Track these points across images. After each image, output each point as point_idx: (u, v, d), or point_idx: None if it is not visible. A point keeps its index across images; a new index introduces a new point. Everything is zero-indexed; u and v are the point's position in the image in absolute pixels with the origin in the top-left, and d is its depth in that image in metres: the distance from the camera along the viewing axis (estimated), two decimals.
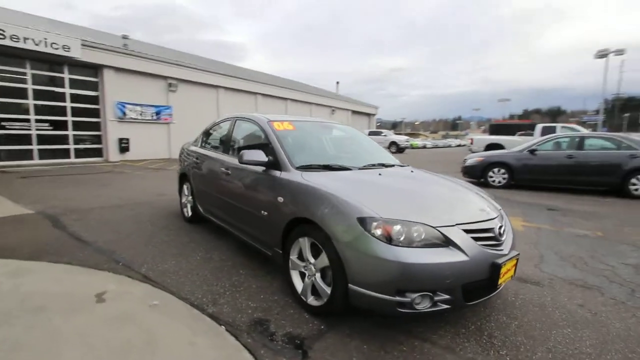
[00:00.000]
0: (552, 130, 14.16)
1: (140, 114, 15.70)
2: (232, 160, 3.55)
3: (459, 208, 2.40)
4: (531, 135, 15.73)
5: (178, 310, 2.46)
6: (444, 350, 2.09)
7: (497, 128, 24.56)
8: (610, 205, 6.53)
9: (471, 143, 17.22)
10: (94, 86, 14.11)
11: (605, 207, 6.29)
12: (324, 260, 2.32)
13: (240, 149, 3.67)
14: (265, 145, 3.35)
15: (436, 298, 2.03)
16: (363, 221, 2.10)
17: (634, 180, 7.18)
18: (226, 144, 3.88)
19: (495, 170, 8.56)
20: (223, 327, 2.28)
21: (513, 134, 19.26)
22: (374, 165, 3.25)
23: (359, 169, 3.07)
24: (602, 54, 21.37)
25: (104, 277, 2.93)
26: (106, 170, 11.04)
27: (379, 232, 2.05)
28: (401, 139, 25.73)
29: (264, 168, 3.02)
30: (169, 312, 2.42)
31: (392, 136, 26.21)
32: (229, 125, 3.96)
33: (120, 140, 14.73)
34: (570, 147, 7.96)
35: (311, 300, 2.46)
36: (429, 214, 2.22)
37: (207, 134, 4.54)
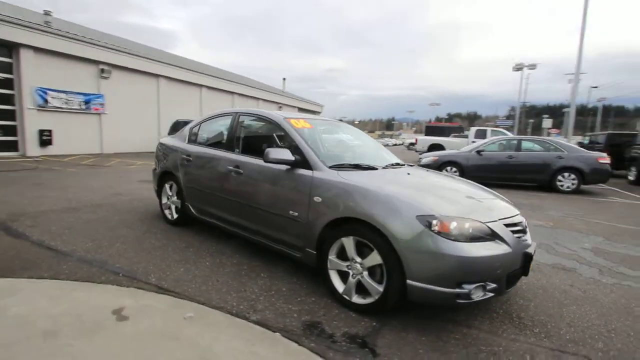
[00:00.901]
0: (484, 133, 15.96)
1: (66, 103, 13.71)
2: (242, 158, 3.36)
3: (493, 205, 2.63)
4: (465, 137, 17.52)
5: (219, 321, 2.28)
6: (490, 334, 2.28)
7: (431, 129, 26.78)
8: (547, 199, 7.65)
9: (416, 142, 18.57)
10: (7, 68, 11.90)
11: (545, 201, 7.35)
12: (375, 258, 2.35)
13: (249, 146, 3.49)
14: (284, 143, 3.25)
15: (487, 287, 2.21)
16: (423, 219, 2.19)
17: (560, 178, 8.49)
18: (230, 141, 3.64)
19: (448, 168, 9.38)
20: (278, 333, 2.18)
21: (445, 135, 21.24)
22: (392, 164, 3.36)
23: (383, 168, 3.15)
24: (519, 67, 24.93)
25: (111, 291, 2.56)
26: (30, 167, 9.45)
27: (438, 229, 2.16)
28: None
29: (288, 167, 2.93)
30: (210, 324, 2.22)
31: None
32: (231, 122, 3.71)
33: (41, 132, 12.70)
34: (510, 149, 9.10)
35: (356, 298, 2.48)
36: (474, 210, 2.39)
37: (197, 129, 4.19)
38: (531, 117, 55.83)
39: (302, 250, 2.82)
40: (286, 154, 2.88)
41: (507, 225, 2.39)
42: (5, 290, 2.44)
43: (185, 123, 16.34)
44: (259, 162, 3.24)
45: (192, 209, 3.96)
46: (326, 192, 2.62)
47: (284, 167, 2.96)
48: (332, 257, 2.60)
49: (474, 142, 15.67)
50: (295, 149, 2.97)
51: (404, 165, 3.52)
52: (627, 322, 2.51)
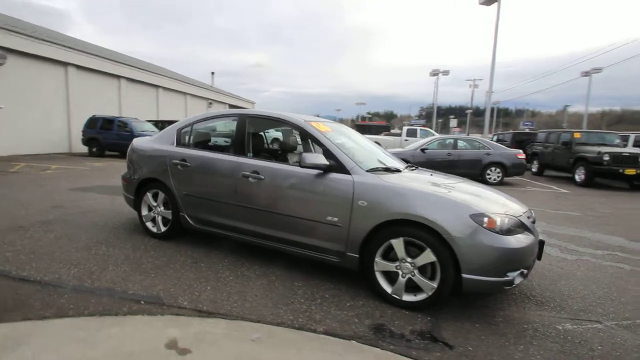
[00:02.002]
0: (414, 131, 17.55)
1: None
2: (263, 163, 3.18)
3: (509, 201, 3.00)
4: (398, 135, 18.98)
5: (290, 337, 2.17)
6: (521, 314, 2.62)
7: (361, 128, 28.29)
8: None
9: None
10: None
11: None
12: (428, 256, 2.50)
13: (266, 151, 3.32)
14: (306, 147, 3.19)
15: (523, 273, 2.55)
16: (476, 217, 2.41)
17: (488, 172, 9.87)
18: (239, 145, 3.39)
19: None
20: (353, 341, 2.18)
21: (372, 133, 22.68)
22: (407, 166, 3.54)
23: (405, 169, 3.31)
24: (435, 73, 28.04)
25: (148, 323, 2.22)
26: None
27: (487, 225, 2.41)
28: None
29: (319, 172, 2.90)
30: (283, 342, 2.11)
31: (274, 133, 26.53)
32: (238, 124, 3.46)
33: None
34: (449, 147, 10.23)
35: (406, 297, 2.60)
36: (505, 206, 2.71)
37: (188, 131, 3.79)
38: (438, 117, 63.11)
39: (342, 255, 2.82)
40: (322, 159, 2.85)
41: (527, 218, 2.78)
42: (10, 338, 1.94)
43: (106, 120, 14.44)
44: (284, 167, 3.12)
45: (189, 219, 3.59)
46: (373, 196, 2.67)
47: (314, 171, 2.92)
48: (378, 259, 2.68)
49: (406, 140, 17.13)
50: (326, 153, 2.94)
51: (414, 166, 3.73)
52: (605, 289, 3.12)
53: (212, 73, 29.27)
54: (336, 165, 2.87)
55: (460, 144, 10.35)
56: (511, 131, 17.53)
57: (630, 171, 9.09)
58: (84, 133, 13.92)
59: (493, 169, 9.83)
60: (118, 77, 17.63)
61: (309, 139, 3.13)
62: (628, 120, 57.31)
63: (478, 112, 60.30)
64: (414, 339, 2.24)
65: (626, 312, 2.71)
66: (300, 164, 2.83)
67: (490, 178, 9.86)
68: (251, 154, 3.35)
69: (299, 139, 3.73)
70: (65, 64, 14.68)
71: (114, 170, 9.94)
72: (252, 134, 3.46)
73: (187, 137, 3.80)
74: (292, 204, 3.00)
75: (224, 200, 3.33)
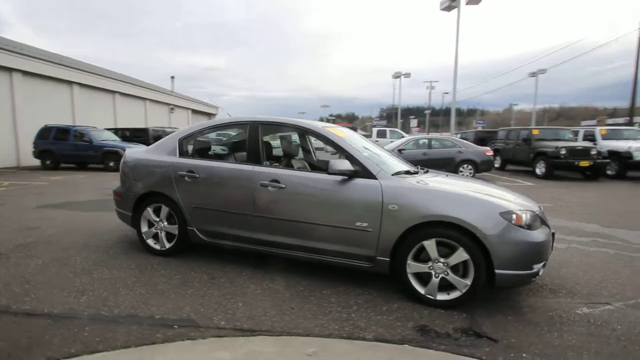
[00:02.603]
0: (384, 132, 18.08)
1: None
2: (283, 171, 3.11)
3: (521, 198, 3.18)
4: (369, 136, 19.41)
5: (342, 348, 2.14)
6: (543, 302, 2.79)
7: None
8: None
9: None
10: None
11: None
12: (461, 255, 2.58)
13: (282, 158, 3.24)
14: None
15: (545, 264, 2.72)
16: (505, 215, 2.54)
17: (461, 169, 10.42)
18: (254, 153, 3.28)
19: None
20: (405, 345, 2.20)
21: None
22: (421, 168, 3.64)
23: (422, 172, 3.40)
24: (397, 75, 29.15)
25: (190, 348, 2.08)
26: None
27: (515, 222, 2.54)
28: None
29: (344, 178, 2.89)
30: (339, 354, 2.08)
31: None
32: (250, 132, 3.34)
33: None
34: (424, 147, 10.66)
35: (440, 296, 2.67)
36: (522, 203, 2.87)
37: (191, 140, 3.60)
38: (401, 117, 65.57)
39: (372, 260, 2.83)
40: (348, 165, 2.85)
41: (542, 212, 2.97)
42: None
43: (60, 129, 13.24)
44: (306, 174, 3.08)
45: (199, 233, 3.40)
46: (404, 199, 2.71)
47: (337, 178, 2.91)
48: (410, 261, 2.72)
49: (377, 141, 17.57)
50: (350, 159, 2.94)
51: (424, 169, 3.83)
52: (602, 274, 3.42)
53: (172, 77, 27.99)
54: (361, 171, 2.88)
55: (434, 143, 10.83)
56: (473, 130, 18.67)
57: (584, 163, 10.06)
58: (35, 145, 12.68)
59: (465, 165, 10.39)
60: (70, 83, 16.28)
61: (329, 145, 3.11)
62: (565, 116, 63.47)
63: (433, 112, 63.42)
64: (460, 336, 2.30)
65: (627, 292, 2.99)
66: (329, 170, 2.81)
67: (463, 174, 10.41)
68: (267, 162, 3.25)
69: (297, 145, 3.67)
70: (9, 70, 13.29)
71: (76, 184, 9.17)
72: (266, 141, 3.37)
73: (191, 147, 3.60)
74: (318, 212, 2.95)
75: (239, 212, 3.20)
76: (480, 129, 27.18)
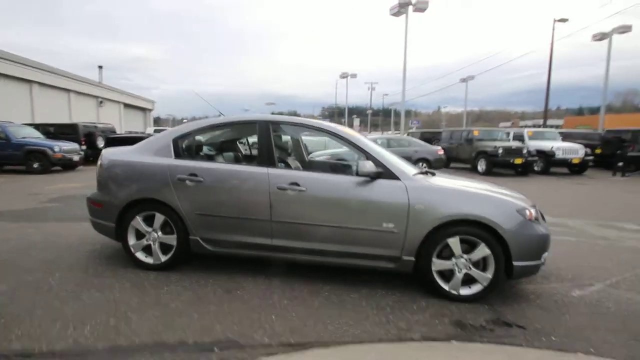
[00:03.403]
0: None
1: None
2: (303, 174, 2.98)
3: (516, 194, 3.48)
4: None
5: (399, 352, 2.14)
6: (546, 286, 3.11)
7: None
8: None
9: None
10: None
11: None
12: (483, 251, 2.75)
13: (297, 160, 3.10)
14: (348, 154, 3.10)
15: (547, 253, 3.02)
16: (520, 211, 2.76)
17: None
18: (267, 155, 3.07)
19: None
20: (453, 341, 2.27)
21: None
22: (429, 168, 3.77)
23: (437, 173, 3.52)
24: (344, 76, 29.88)
25: None
26: None
27: (528, 217, 2.78)
28: None
29: (366, 179, 2.88)
30: (398, 358, 2.07)
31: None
32: (261, 132, 3.13)
33: None
34: (384, 146, 11.07)
35: (463, 290, 2.81)
36: (526, 200, 3.15)
37: (190, 140, 3.25)
38: (341, 116, 67.69)
39: (397, 260, 2.87)
40: (373, 167, 2.84)
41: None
42: None
43: None
44: (327, 176, 3.01)
45: (203, 243, 3.11)
46: (430, 199, 2.79)
47: (359, 179, 2.89)
48: (434, 259, 2.82)
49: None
50: (374, 160, 2.93)
51: (431, 170, 3.96)
52: (576, 259, 3.92)
53: (100, 67, 24.71)
54: (384, 172, 2.90)
55: (393, 143, 11.36)
56: (420, 130, 20.00)
57: (518, 160, 11.42)
58: None
59: (421, 164, 11.07)
60: None
61: (349, 146, 3.06)
62: (484, 119, 71.32)
63: (373, 113, 66.49)
64: (494, 327, 2.45)
65: (602, 274, 3.46)
66: (359, 172, 2.78)
67: None
68: (283, 165, 3.09)
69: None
70: None
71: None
72: (279, 142, 3.19)
73: (190, 148, 3.27)
74: (341, 214, 2.90)
75: (254, 218, 2.99)
76: (414, 128, 29.25)
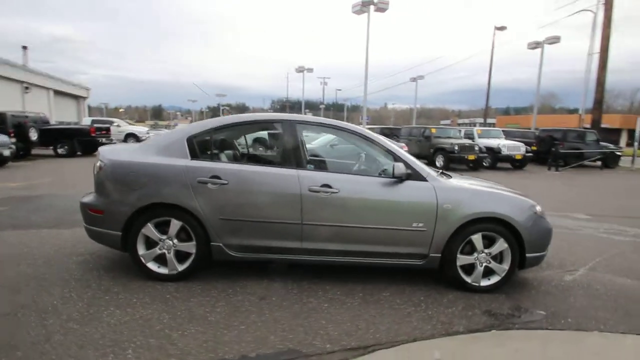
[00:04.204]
0: None
1: None
2: (335, 175, 2.96)
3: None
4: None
5: (457, 347, 2.27)
6: (542, 275, 3.48)
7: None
8: None
9: None
10: None
11: None
12: (501, 245, 2.99)
13: (325, 161, 3.05)
14: (367, 156, 3.16)
15: None
16: (531, 208, 3.05)
17: None
18: (294, 156, 2.98)
19: None
20: (494, 330, 2.46)
21: None
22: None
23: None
24: (300, 70, 29.71)
25: None
26: None
27: (538, 213, 3.09)
28: (141, 131, 22.44)
29: (395, 180, 2.96)
30: (461, 354, 2.19)
31: (127, 127, 22.24)
32: (288, 132, 3.03)
33: None
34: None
35: (483, 282, 3.04)
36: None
37: (208, 140, 3.02)
38: (293, 110, 67.36)
39: (425, 257, 3.00)
40: (404, 168, 2.92)
41: None
42: None
43: None
44: (359, 178, 3.05)
45: (226, 249, 2.94)
46: (456, 199, 2.95)
47: (389, 180, 2.96)
48: (459, 255, 3.00)
49: None
50: (399, 161, 3.01)
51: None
52: (553, 247, 4.41)
53: (24, 47, 21.26)
54: (413, 174, 2.99)
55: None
56: (379, 126, 20.68)
57: (471, 157, 12.45)
58: None
59: None
60: None
61: (378, 148, 3.11)
62: (426, 116, 76.08)
63: (325, 107, 67.21)
64: (520, 314, 2.70)
65: (579, 260, 3.96)
66: (395, 174, 2.84)
67: None
68: (312, 166, 3.03)
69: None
70: None
71: None
72: (305, 143, 3.11)
73: (207, 147, 3.04)
74: (374, 215, 2.94)
75: (284, 221, 2.91)
76: (365, 124, 30.26)
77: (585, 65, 19.05)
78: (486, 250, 3.01)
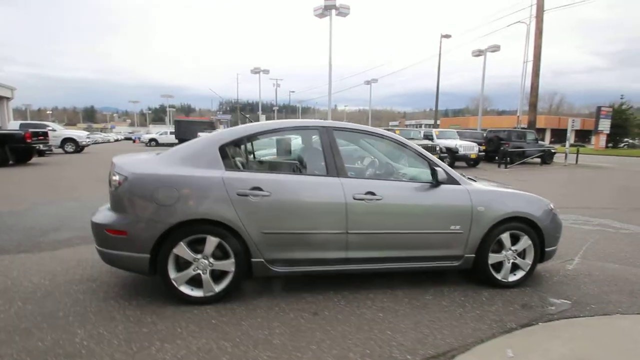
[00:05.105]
0: None
1: None
2: (378, 182, 2.96)
3: None
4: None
5: (523, 344, 2.38)
6: (546, 266, 3.81)
7: (183, 124, 26.02)
8: None
9: None
10: None
11: None
12: (525, 242, 3.22)
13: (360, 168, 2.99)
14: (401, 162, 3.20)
15: None
16: (548, 205, 3.33)
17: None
18: (335, 164, 2.90)
19: None
20: (540, 323, 2.63)
21: (200, 130, 21.50)
22: None
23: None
24: (257, 71, 29.03)
25: None
26: None
27: (553, 210, 3.38)
28: (80, 135, 20.20)
29: (430, 185, 3.04)
30: (532, 350, 2.31)
31: (64, 131, 19.90)
32: (327, 139, 2.94)
33: None
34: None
35: (511, 278, 3.25)
36: None
37: (242, 147, 2.80)
38: (243, 112, 65.60)
39: (460, 258, 3.12)
40: (444, 173, 3.00)
41: None
42: None
43: None
44: (400, 184, 3.09)
45: (268, 265, 2.77)
46: (487, 202, 3.10)
47: (426, 185, 3.04)
48: (490, 253, 3.17)
49: None
50: (435, 166, 3.09)
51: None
52: (563, 237, 4.85)
53: None
54: (448, 178, 3.09)
55: None
56: None
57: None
58: None
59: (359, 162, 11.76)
60: None
61: (414, 154, 3.17)
62: (375, 117, 79.18)
63: (282, 109, 66.71)
64: (551, 305, 2.93)
65: (571, 251, 4.38)
66: (438, 179, 2.90)
67: None
68: (353, 173, 2.97)
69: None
70: None
71: None
72: (340, 150, 3.03)
73: (241, 157, 2.83)
74: (415, 220, 2.99)
75: (329, 231, 2.82)
76: None
77: (521, 71, 21.30)
78: (512, 248, 3.21)
